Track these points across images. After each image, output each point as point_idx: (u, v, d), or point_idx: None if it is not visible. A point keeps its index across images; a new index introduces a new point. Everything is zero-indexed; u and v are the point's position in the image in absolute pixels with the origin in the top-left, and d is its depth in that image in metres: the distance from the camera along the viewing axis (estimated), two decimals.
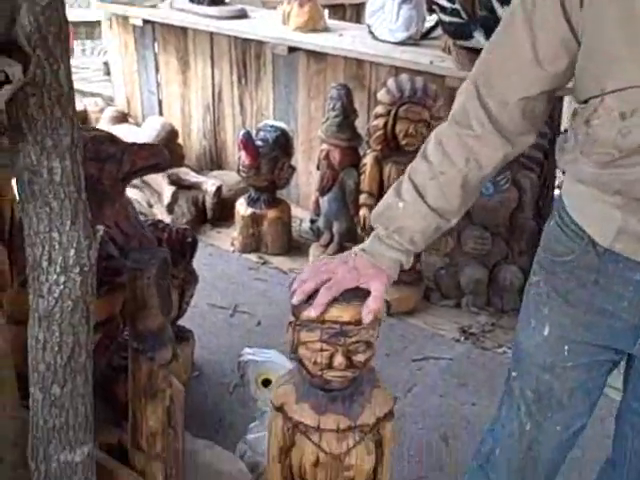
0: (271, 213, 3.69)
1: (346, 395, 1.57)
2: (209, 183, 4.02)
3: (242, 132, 3.56)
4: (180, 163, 4.28)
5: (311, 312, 1.43)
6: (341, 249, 3.58)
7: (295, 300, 1.44)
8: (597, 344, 1.48)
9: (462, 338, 3.11)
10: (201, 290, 3.45)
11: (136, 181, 4.13)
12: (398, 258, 1.43)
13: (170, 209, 3.88)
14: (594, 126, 1.25)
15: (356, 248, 1.47)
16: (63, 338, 1.40)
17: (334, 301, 1.44)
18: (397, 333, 3.14)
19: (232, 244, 3.84)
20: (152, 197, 4.07)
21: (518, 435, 1.64)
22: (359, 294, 1.47)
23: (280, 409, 1.60)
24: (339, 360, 1.48)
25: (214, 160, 4.46)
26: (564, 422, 1.59)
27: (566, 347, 1.50)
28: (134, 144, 2.04)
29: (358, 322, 1.46)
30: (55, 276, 1.36)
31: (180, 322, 2.96)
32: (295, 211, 3.98)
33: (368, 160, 3.16)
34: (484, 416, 2.67)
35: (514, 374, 1.64)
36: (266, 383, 2.11)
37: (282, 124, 3.69)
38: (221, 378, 2.94)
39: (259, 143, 3.56)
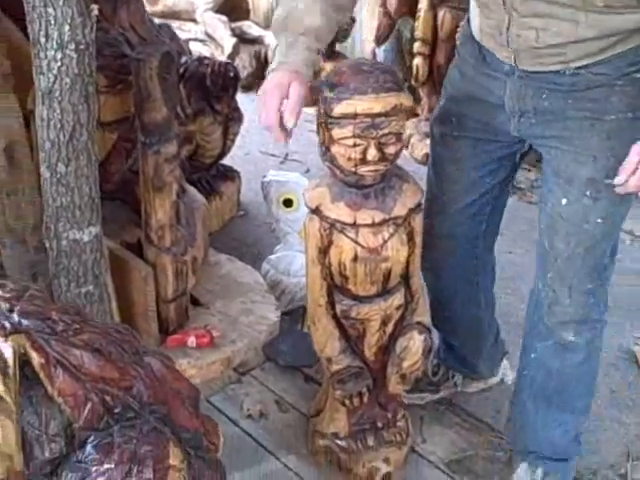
0: (329, 66, 3.65)
1: (378, 190, 1.64)
2: (271, 37, 3.99)
3: None
4: (245, 17, 4.27)
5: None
6: None
7: (263, 121, 1.52)
8: (479, 120, 1.65)
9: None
10: (255, 138, 3.53)
11: (200, 35, 4.17)
12: (310, 58, 1.51)
13: (231, 60, 3.89)
14: None
15: (273, 63, 1.54)
16: (64, 116, 1.48)
17: (363, 93, 1.50)
18: None
19: None
20: (216, 51, 4.10)
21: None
22: (387, 84, 1.52)
23: (316, 211, 1.66)
24: (372, 153, 1.54)
25: None
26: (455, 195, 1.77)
27: (453, 119, 1.70)
28: None
29: (388, 113, 1.52)
30: (52, 52, 1.42)
31: (230, 164, 3.06)
32: None
33: (422, 5, 3.07)
34: (517, 263, 2.67)
35: None
36: (287, 203, 2.16)
37: None
38: (265, 218, 3.02)
39: None
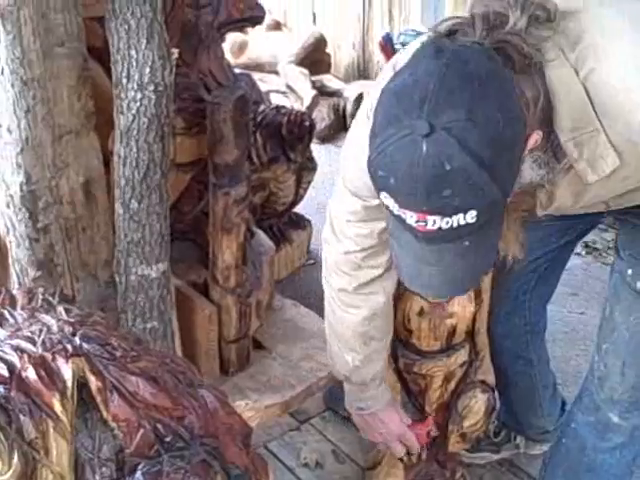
0: None
1: None
2: (351, 90, 4.07)
3: (383, 34, 3.57)
4: (326, 71, 4.36)
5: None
6: None
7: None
8: None
9: (584, 252, 2.99)
10: (328, 189, 3.56)
11: (281, 87, 4.28)
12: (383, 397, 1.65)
13: (310, 113, 3.97)
14: None
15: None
16: (140, 154, 1.54)
17: None
18: None
19: None
20: (296, 102, 4.19)
21: None
22: None
23: None
24: None
25: (361, 71, 4.50)
26: None
27: None
28: None
29: None
30: (133, 93, 1.49)
31: (302, 212, 3.09)
32: None
33: None
34: (590, 325, 2.59)
35: None
36: None
37: (424, 29, 3.65)
38: None
39: (398, 47, 3.55)
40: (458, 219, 0.98)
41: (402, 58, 1.19)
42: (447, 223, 0.98)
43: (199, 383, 1.15)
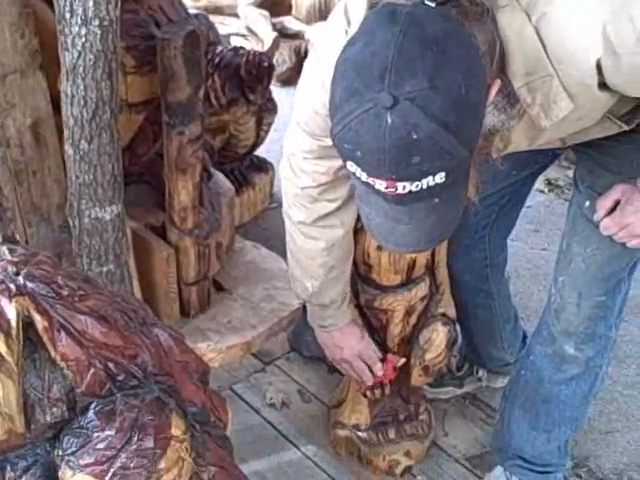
0: None
1: None
2: (312, 32, 3.99)
3: None
4: (287, 12, 4.27)
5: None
6: None
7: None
8: None
9: (546, 189, 3.00)
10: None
11: (242, 29, 4.18)
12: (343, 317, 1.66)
13: (270, 55, 3.89)
14: None
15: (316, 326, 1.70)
16: (87, 92, 1.48)
17: None
18: None
19: None
20: (257, 45, 4.10)
21: None
22: None
23: None
24: None
25: (322, 12, 4.39)
26: None
27: None
28: None
29: None
30: (77, 28, 1.43)
31: (265, 156, 3.05)
32: None
33: None
34: (551, 260, 2.60)
35: None
36: None
37: None
38: None
39: None
40: (427, 181, 0.98)
41: (353, 5, 1.16)
42: (417, 186, 0.98)
43: (152, 322, 1.13)
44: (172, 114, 1.65)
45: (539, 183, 3.03)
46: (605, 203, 1.38)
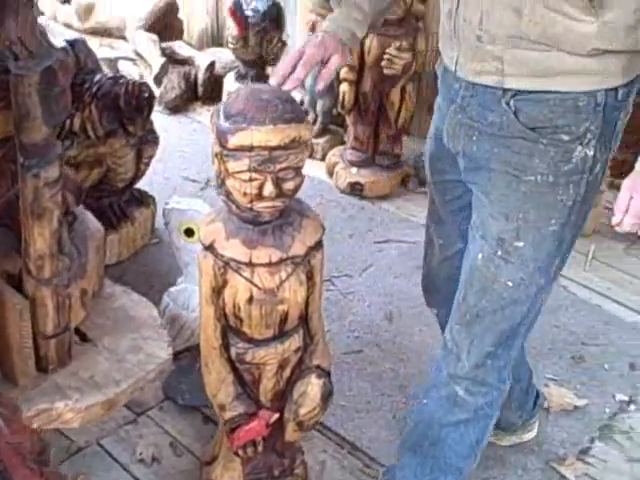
0: None
1: (276, 227, 1.55)
2: (202, 58, 3.90)
3: (233, 0, 3.42)
4: (178, 37, 4.16)
5: (286, 85, 1.50)
6: (325, 131, 3.47)
7: (273, 81, 1.52)
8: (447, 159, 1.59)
9: None
10: (178, 163, 3.42)
11: (130, 53, 4.05)
12: (351, 28, 1.55)
13: (158, 81, 3.78)
14: None
15: (319, 31, 1.56)
16: None
17: (260, 124, 1.41)
18: (366, 216, 3.05)
19: None
20: (145, 70, 3.97)
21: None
22: (286, 115, 1.42)
23: (210, 248, 1.57)
24: (269, 189, 1.45)
25: (215, 38, 4.32)
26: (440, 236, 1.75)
27: (434, 157, 1.67)
28: None
29: (287, 146, 1.43)
30: None
31: (148, 190, 2.92)
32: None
33: None
34: None
35: None
36: (189, 232, 2.05)
37: None
38: None
39: (249, 13, 3.40)
40: None
41: None
42: None
43: None
44: (27, 155, 1.52)
45: (423, 217, 3.01)
46: (620, 205, 1.35)
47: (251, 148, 1.43)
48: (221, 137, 1.46)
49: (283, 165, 1.46)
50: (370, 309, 2.54)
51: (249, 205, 1.50)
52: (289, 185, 1.49)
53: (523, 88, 1.37)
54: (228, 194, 1.53)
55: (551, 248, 1.47)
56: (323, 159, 3.34)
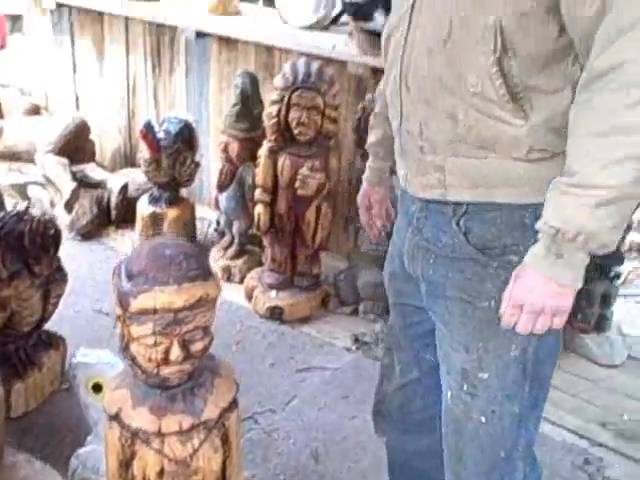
0: (172, 212, 3.48)
1: (186, 390, 1.47)
2: (114, 180, 3.84)
3: (144, 122, 3.39)
4: (91, 159, 4.10)
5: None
6: (242, 252, 3.41)
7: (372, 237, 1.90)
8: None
9: (353, 347, 2.93)
10: (90, 294, 3.26)
11: (40, 178, 3.95)
12: (374, 174, 1.82)
13: (69, 207, 3.67)
14: None
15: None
16: None
17: (164, 284, 1.36)
18: (287, 342, 2.96)
19: (132, 247, 3.64)
20: (56, 196, 3.87)
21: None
22: (190, 273, 1.38)
23: (115, 417, 1.47)
24: (176, 353, 1.39)
25: (128, 158, 4.27)
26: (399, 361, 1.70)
27: (392, 281, 1.66)
28: None
29: (193, 306, 1.38)
30: None
31: (57, 327, 2.77)
32: (204, 212, 3.80)
33: (262, 152, 2.99)
34: (361, 429, 2.50)
35: None
36: (97, 388, 1.94)
37: (188, 116, 3.50)
38: None
39: (161, 135, 3.37)
40: None
41: None
42: None
43: None
44: None
45: (346, 340, 2.97)
46: (506, 295, 1.29)
47: (155, 311, 1.37)
48: (122, 300, 1.40)
49: (190, 326, 1.40)
50: (295, 447, 2.42)
51: (155, 370, 1.43)
52: (197, 346, 1.43)
53: (466, 200, 1.35)
54: (133, 358, 1.46)
55: (517, 374, 1.39)
56: (241, 282, 3.27)
